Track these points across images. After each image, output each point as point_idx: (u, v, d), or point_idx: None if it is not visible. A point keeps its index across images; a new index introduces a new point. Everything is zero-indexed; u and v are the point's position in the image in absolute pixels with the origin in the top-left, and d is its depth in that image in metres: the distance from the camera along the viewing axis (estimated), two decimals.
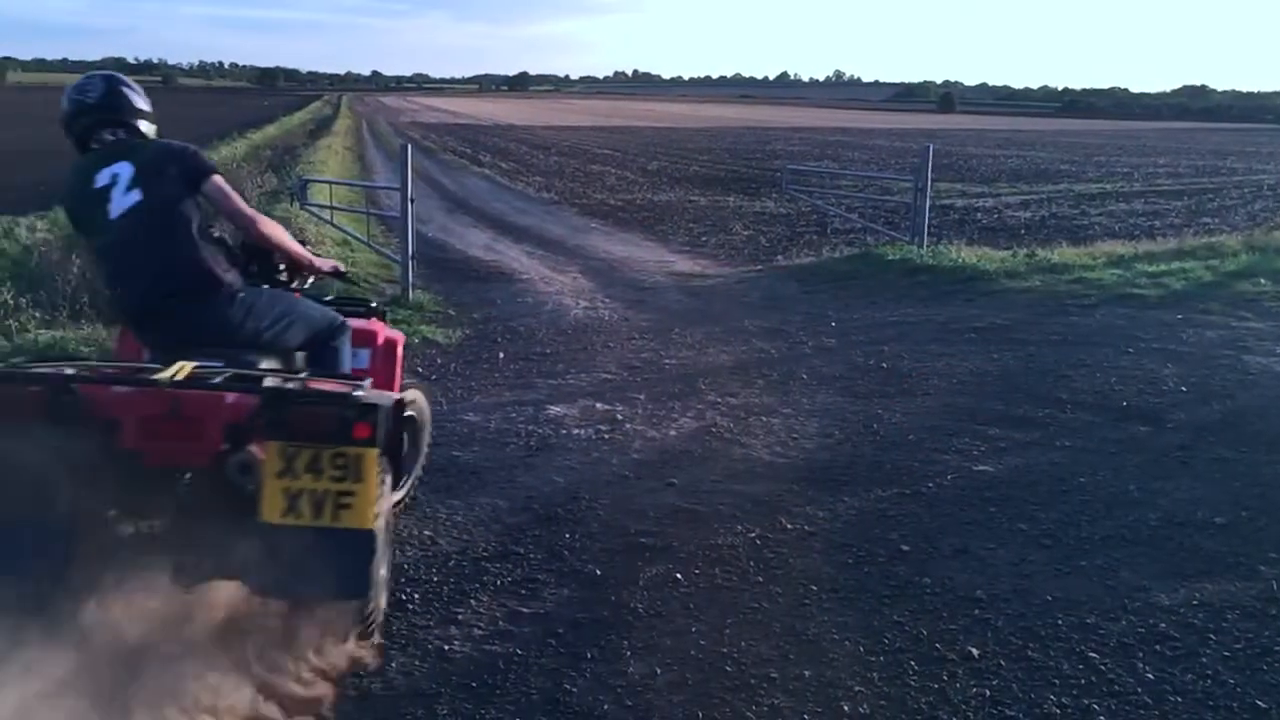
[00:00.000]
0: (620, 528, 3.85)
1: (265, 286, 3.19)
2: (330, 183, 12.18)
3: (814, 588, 3.41)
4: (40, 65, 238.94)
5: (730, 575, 3.49)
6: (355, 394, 2.54)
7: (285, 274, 3.31)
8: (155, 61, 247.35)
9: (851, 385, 5.88)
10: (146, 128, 3.13)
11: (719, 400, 5.56)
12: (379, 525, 2.54)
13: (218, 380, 2.57)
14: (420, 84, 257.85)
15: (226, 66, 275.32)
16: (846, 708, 2.72)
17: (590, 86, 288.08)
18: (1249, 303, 7.99)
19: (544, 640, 3.02)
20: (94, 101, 3.04)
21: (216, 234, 3.14)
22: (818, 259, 10.97)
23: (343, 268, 3.61)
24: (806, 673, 2.89)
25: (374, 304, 3.83)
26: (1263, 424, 5.14)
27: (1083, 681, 2.86)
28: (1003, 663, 2.95)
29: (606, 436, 4.94)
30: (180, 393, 2.53)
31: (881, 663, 2.95)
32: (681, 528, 3.87)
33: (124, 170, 2.91)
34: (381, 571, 2.71)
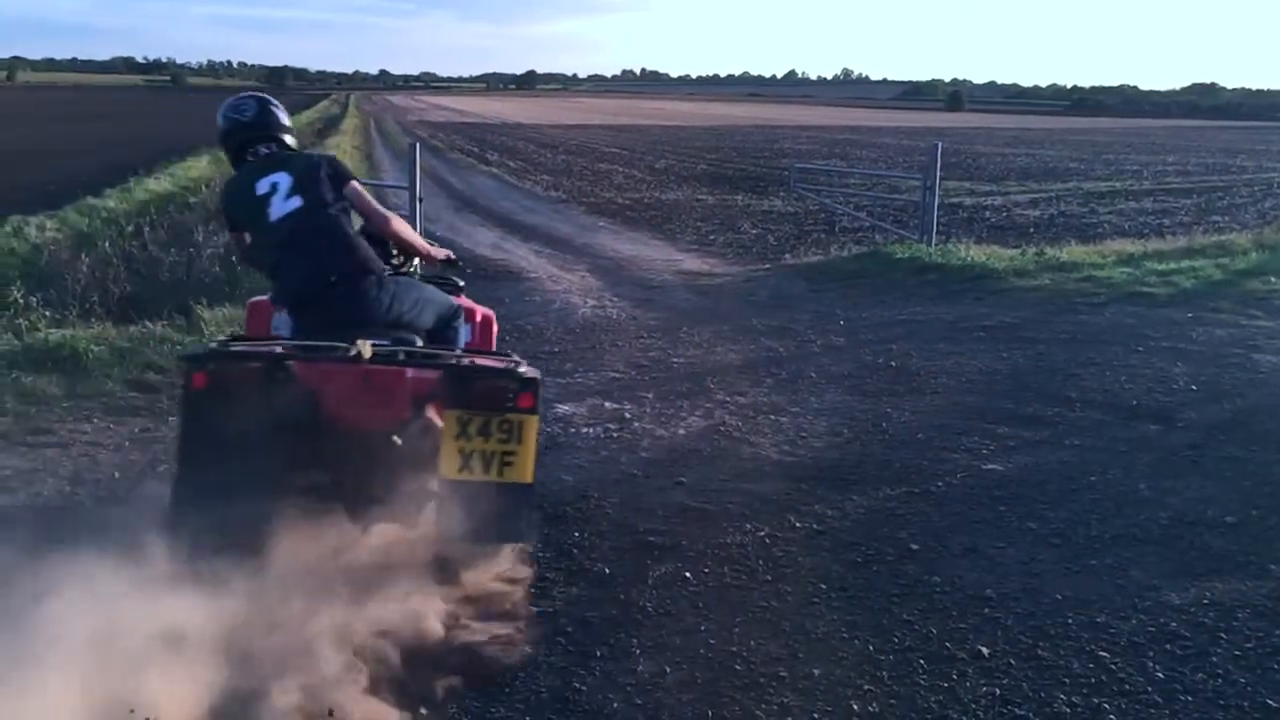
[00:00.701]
0: (629, 526, 3.86)
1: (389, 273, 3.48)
2: None
3: (823, 586, 3.41)
4: (50, 65, 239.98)
5: (739, 574, 3.50)
6: (519, 369, 2.96)
7: (397, 259, 3.66)
8: (164, 61, 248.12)
9: (860, 384, 5.87)
10: (291, 141, 3.52)
11: (727, 399, 5.56)
12: None
13: (402, 357, 2.97)
14: (428, 83, 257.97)
15: (235, 65, 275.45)
16: (856, 706, 2.72)
17: (598, 85, 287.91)
18: (1259, 301, 7.96)
19: (553, 638, 3.03)
20: (249, 120, 3.42)
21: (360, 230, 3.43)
22: (826, 258, 10.95)
23: (453, 256, 3.91)
24: (816, 671, 2.89)
25: (461, 283, 4.06)
26: (1273, 423, 5.12)
27: (1093, 680, 2.86)
28: (1012, 661, 2.95)
29: (615, 435, 4.94)
30: (371, 368, 2.90)
31: (891, 661, 2.95)
32: (690, 526, 3.87)
33: (282, 179, 3.26)
34: None
